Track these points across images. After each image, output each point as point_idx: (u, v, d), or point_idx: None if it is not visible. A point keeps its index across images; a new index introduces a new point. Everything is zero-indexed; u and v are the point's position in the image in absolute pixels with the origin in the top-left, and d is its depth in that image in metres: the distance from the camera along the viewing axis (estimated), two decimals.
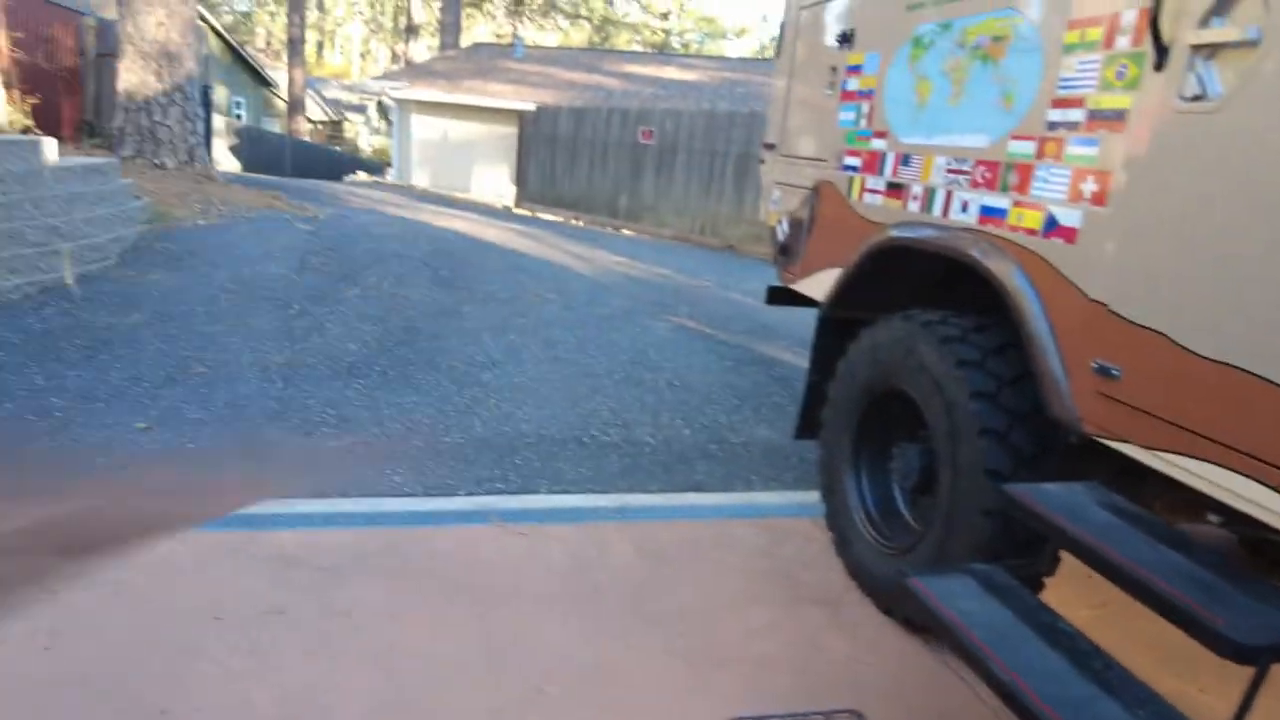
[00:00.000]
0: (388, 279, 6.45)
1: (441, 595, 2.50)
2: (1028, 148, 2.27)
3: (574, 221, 14.44)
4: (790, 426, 4.18)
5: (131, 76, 9.08)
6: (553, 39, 36.10)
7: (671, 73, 19.32)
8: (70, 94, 12.41)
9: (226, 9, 40.79)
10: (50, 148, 5.67)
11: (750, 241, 12.48)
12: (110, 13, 13.40)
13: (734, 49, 40.99)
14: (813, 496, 3.33)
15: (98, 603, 2.30)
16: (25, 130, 9.34)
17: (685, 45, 39.37)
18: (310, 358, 4.62)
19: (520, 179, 16.67)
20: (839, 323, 3.25)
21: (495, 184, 17.43)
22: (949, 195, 2.58)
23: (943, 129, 2.64)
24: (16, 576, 2.41)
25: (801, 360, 5.55)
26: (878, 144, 2.99)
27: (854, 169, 3.11)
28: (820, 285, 3.31)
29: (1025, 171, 2.28)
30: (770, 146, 3.90)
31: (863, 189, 3.05)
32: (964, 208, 2.52)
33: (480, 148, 17.61)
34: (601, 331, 5.77)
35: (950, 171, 2.59)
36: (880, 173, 2.94)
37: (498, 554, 2.77)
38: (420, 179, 18.17)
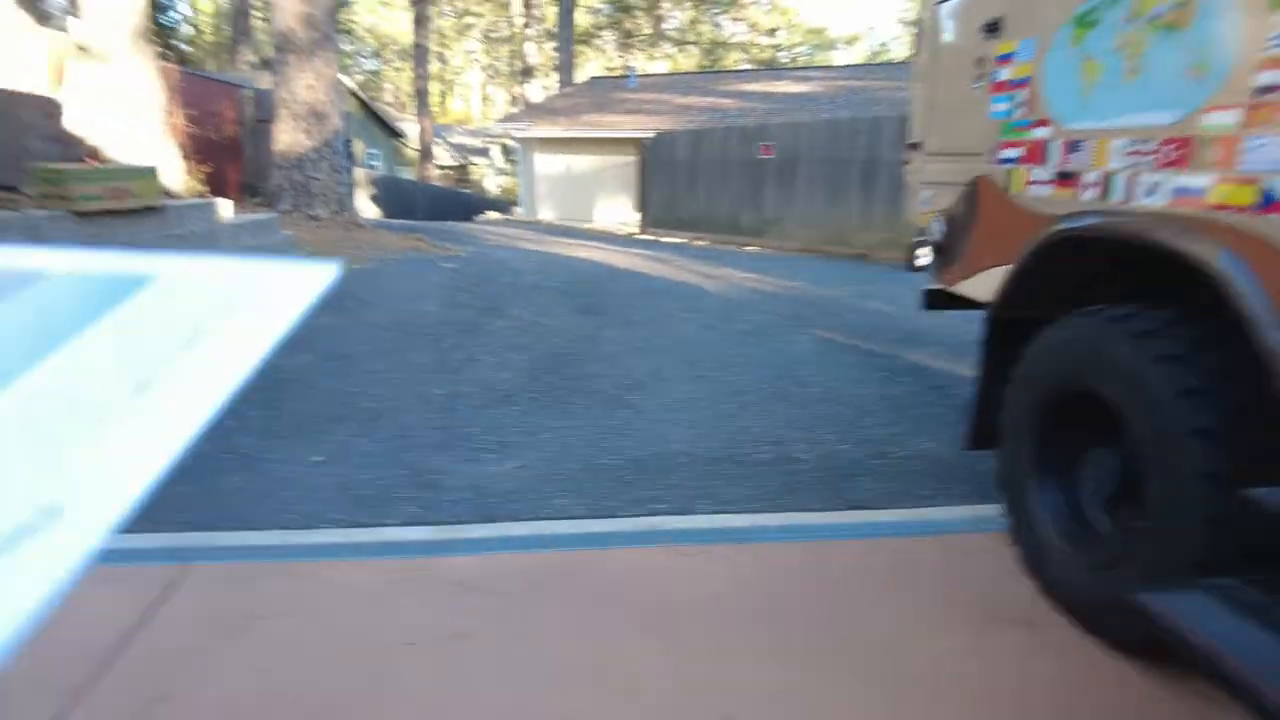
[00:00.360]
0: (530, 309, 6.63)
1: (621, 618, 2.49)
2: (1230, 118, 2.07)
3: (697, 242, 14.47)
4: (958, 437, 3.98)
5: (285, 136, 9.82)
6: (663, 66, 36.60)
7: (785, 86, 19.15)
8: (233, 159, 13.56)
9: (357, 70, 43.69)
10: (225, 207, 6.19)
11: (883, 248, 12.13)
12: (264, 82, 14.59)
13: (844, 57, 40.29)
14: (990, 510, 3.14)
15: (299, 629, 2.43)
16: (200, 195, 10.26)
17: (794, 59, 39.02)
18: (467, 388, 4.79)
19: (642, 205, 16.90)
20: (1008, 324, 3.07)
21: (617, 212, 17.74)
22: (1132, 179, 2.39)
23: (1118, 109, 2.45)
24: (225, 605, 2.58)
25: (957, 367, 5.30)
26: (1040, 133, 2.82)
27: (1013, 161, 2.95)
28: (984, 286, 3.14)
29: (1229, 144, 2.08)
30: (914, 147, 3.76)
31: (1026, 181, 2.88)
32: (1151, 191, 2.33)
33: (601, 178, 18.00)
34: (742, 348, 5.71)
35: (1132, 154, 2.40)
36: (1045, 163, 2.77)
37: (670, 575, 2.75)
38: (546, 213, 18.74)
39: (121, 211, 5.13)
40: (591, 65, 36.90)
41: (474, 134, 41.04)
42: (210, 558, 2.84)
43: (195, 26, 36.05)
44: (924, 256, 11.70)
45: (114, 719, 2.03)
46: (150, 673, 2.22)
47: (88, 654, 2.29)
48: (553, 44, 29.43)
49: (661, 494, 3.45)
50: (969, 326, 5.86)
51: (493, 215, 20.84)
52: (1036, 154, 2.82)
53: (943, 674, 2.25)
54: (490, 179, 38.26)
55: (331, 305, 6.59)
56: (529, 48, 29.94)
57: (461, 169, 37.60)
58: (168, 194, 5.82)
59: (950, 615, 2.55)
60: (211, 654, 2.30)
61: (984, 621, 2.51)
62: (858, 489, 3.51)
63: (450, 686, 2.18)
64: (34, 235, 4.67)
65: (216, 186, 10.60)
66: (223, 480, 3.61)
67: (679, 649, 2.34)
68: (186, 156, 10.75)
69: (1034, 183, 2.83)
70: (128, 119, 8.57)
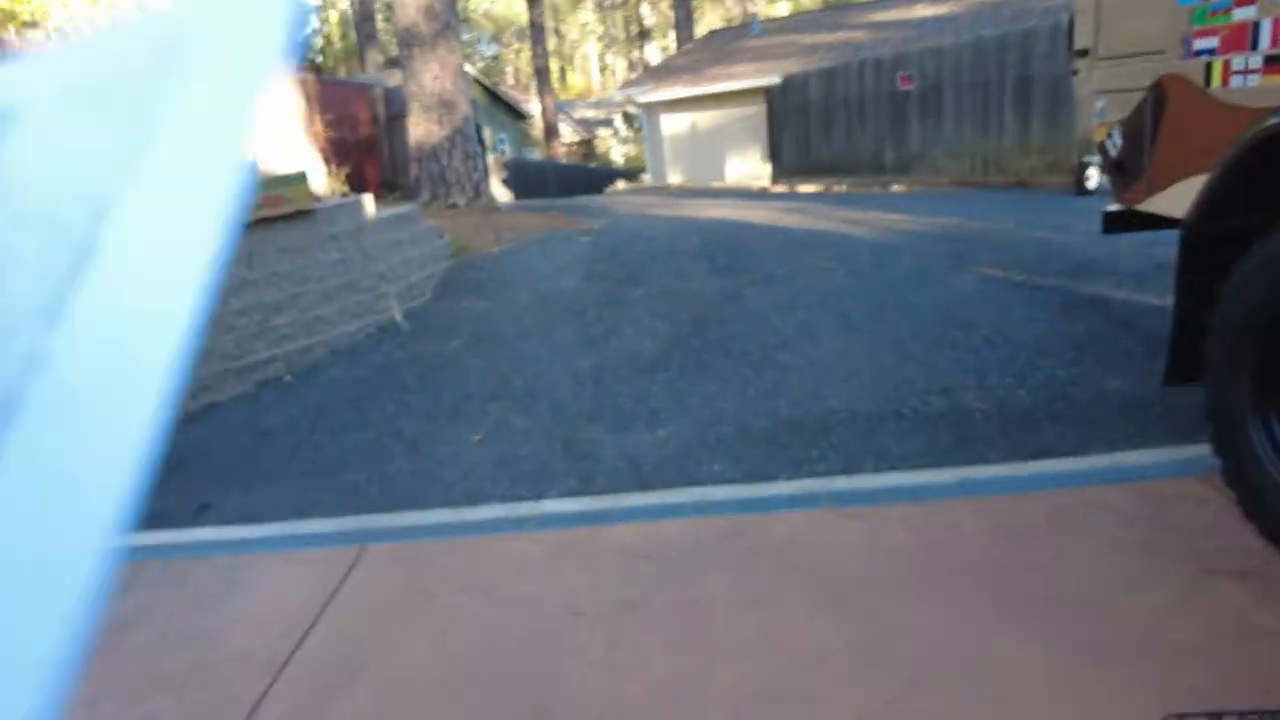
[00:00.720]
0: (668, 274, 6.56)
1: (790, 583, 2.39)
2: None
3: (835, 188, 13.89)
4: (1148, 373, 3.58)
5: (419, 129, 10.16)
6: (786, 9, 35.29)
7: (921, 10, 17.96)
8: (370, 157, 14.24)
9: (478, 56, 44.81)
10: (369, 204, 6.46)
11: (1043, 173, 11.19)
12: (393, 80, 15.19)
13: None
14: (1196, 451, 2.79)
15: (471, 603, 2.49)
16: (344, 195, 10.83)
17: None
18: (613, 359, 4.79)
19: (773, 155, 16.41)
20: (1208, 240, 2.69)
21: (748, 166, 17.33)
22: None
23: None
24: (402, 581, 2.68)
25: (1141, 296, 4.78)
26: (1244, 13, 2.42)
27: (1209, 52, 2.55)
28: (1177, 200, 2.76)
29: None
30: (1082, 53, 3.35)
31: (1227, 72, 2.48)
32: None
33: (728, 133, 17.62)
34: (897, 294, 5.40)
35: None
36: (1254, 47, 2.38)
37: (837, 538, 2.62)
38: (674, 176, 18.58)
39: (277, 218, 5.45)
40: (710, 20, 36.08)
41: (596, 106, 41.24)
42: (383, 538, 2.97)
43: (325, 37, 38.10)
44: (1094, 177, 10.79)
45: (307, 695, 2.15)
46: (341, 647, 2.34)
47: (285, 632, 2.44)
48: (668, 1, 28.94)
49: (823, 454, 3.30)
50: (1153, 250, 5.29)
51: (621, 185, 20.89)
52: (1239, 39, 2.43)
53: (1151, 632, 2.01)
54: (615, 149, 38.41)
55: (475, 289, 6.78)
56: (645, 10, 29.62)
57: (586, 143, 37.95)
58: (315, 198, 6.13)
59: (1157, 568, 2.28)
60: (393, 629, 2.39)
61: (1197, 573, 2.23)
62: (1041, 437, 3.22)
63: (622, 654, 2.16)
64: None
65: (357, 185, 11.14)
66: (390, 464, 3.78)
67: (853, 613, 2.21)
68: (327, 160, 11.37)
69: (1237, 73, 2.44)
70: (274, 129, 9.12)
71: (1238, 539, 2.37)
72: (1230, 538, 2.39)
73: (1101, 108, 3.23)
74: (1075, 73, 3.45)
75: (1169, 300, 2.84)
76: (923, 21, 16.91)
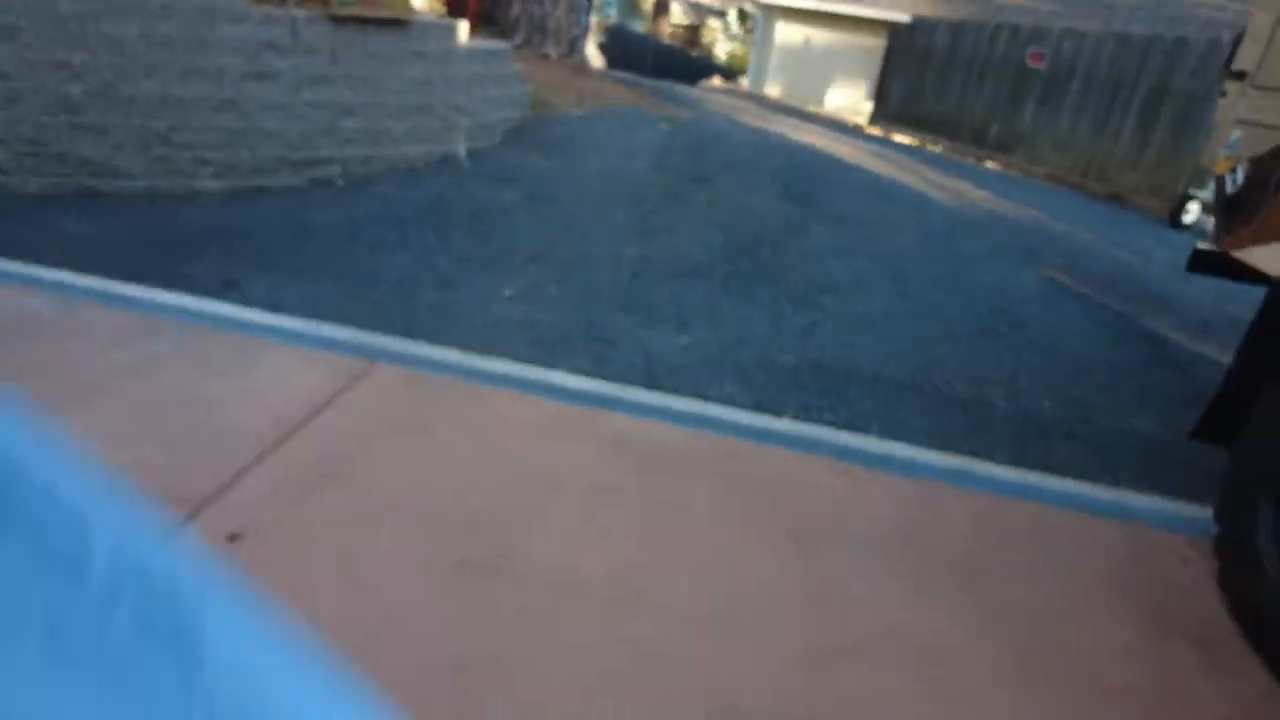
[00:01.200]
0: (738, 188, 6.41)
1: (765, 515, 2.43)
2: None
3: (931, 146, 13.36)
4: (1179, 421, 3.51)
5: None
6: None
7: None
8: None
9: None
10: (463, 31, 6.28)
11: (1145, 193, 10.68)
12: None
13: None
14: (1196, 511, 2.77)
15: (461, 445, 2.55)
16: (440, 16, 10.53)
17: None
18: (659, 255, 4.74)
19: (880, 95, 15.74)
20: None
21: (850, 99, 16.65)
22: None
23: None
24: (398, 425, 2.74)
25: (1201, 345, 4.64)
26: None
27: None
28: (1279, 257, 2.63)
29: None
30: (1239, 76, 3.13)
31: None
32: None
33: (840, 60, 16.85)
34: (959, 271, 5.26)
35: None
36: None
37: (823, 487, 2.64)
38: (773, 88, 17.90)
39: (371, 20, 5.31)
40: None
41: None
42: (394, 360, 3.02)
43: None
44: (1193, 212, 10.34)
45: (285, 483, 2.24)
46: (329, 449, 2.42)
47: (281, 420, 2.52)
48: None
49: (834, 405, 3.29)
50: (1229, 304, 5.08)
51: (716, 81, 20.19)
52: None
53: (1093, 667, 2.04)
54: (721, 44, 36.93)
55: (543, 145, 6.66)
56: None
57: (694, 29, 36.43)
58: (412, 10, 5.96)
59: (1119, 610, 2.29)
60: (382, 446, 2.46)
61: (1156, 627, 2.25)
62: (1052, 452, 3.19)
63: (589, 530, 2.23)
64: (292, 32, 4.95)
65: (455, 10, 10.81)
66: (420, 293, 3.81)
67: (818, 562, 2.26)
68: None
69: None
70: None
71: (1206, 606, 2.37)
72: (1200, 602, 2.39)
73: (1236, 139, 3.03)
74: (1223, 94, 3.23)
75: (1227, 356, 2.74)
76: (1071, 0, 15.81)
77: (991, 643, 2.06)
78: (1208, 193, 7.22)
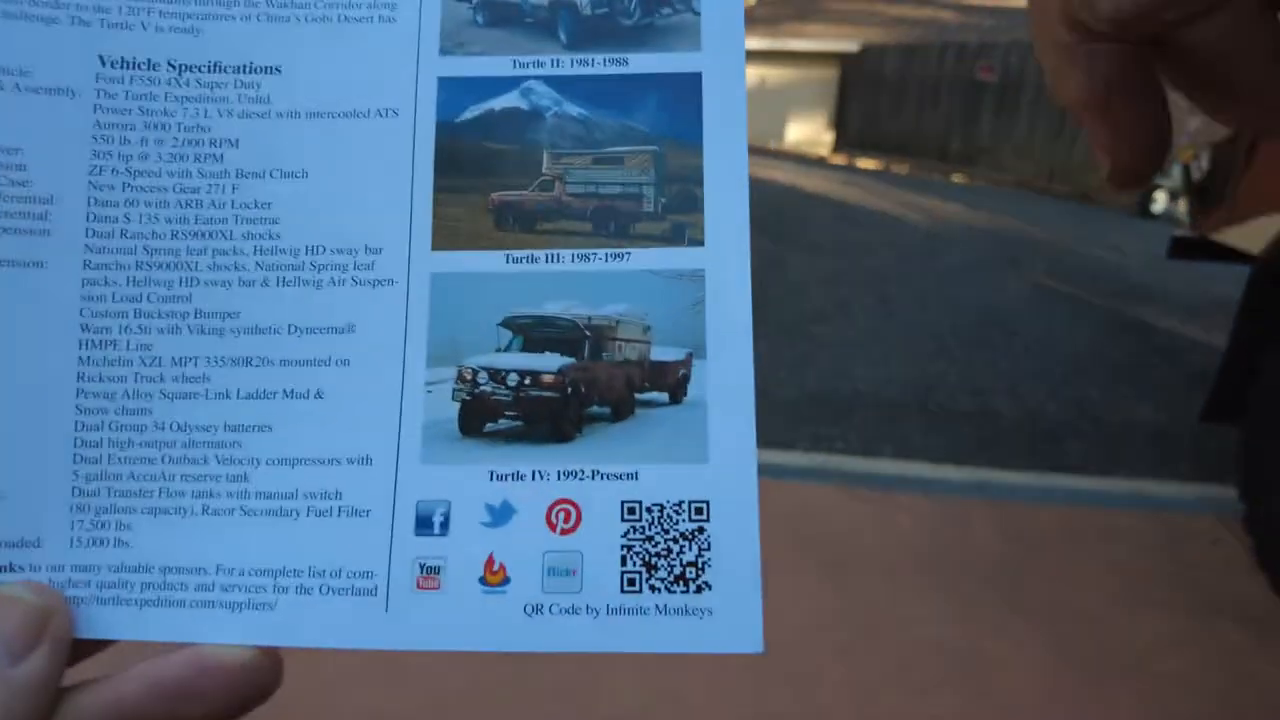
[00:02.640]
0: None
1: (793, 552, 2.41)
2: None
3: (895, 168, 13.62)
4: (1183, 406, 3.53)
5: None
6: None
7: (1014, 0, 17.34)
8: None
9: None
10: None
11: (1109, 189, 10.87)
12: None
13: None
14: (1218, 490, 2.77)
15: None
16: None
17: None
18: None
19: (839, 125, 16.09)
20: (1277, 282, 2.62)
21: (810, 132, 17.01)
22: None
23: None
24: None
25: (1189, 329, 4.70)
26: None
27: None
28: (1255, 235, 2.69)
29: None
30: None
31: None
32: None
33: (796, 94, 17.24)
34: (942, 286, 5.33)
35: None
36: None
37: (845, 517, 2.63)
38: None
39: None
40: None
41: None
42: None
43: None
44: (1160, 200, 10.48)
45: None
46: None
47: None
48: None
49: (843, 433, 3.30)
50: (1210, 285, 5.16)
51: None
52: None
53: (1143, 659, 2.03)
54: None
55: None
56: None
57: None
58: None
59: (1160, 599, 2.28)
60: None
61: (1199, 611, 2.24)
62: (1064, 453, 3.20)
63: None
64: None
65: None
66: None
67: (852, 592, 2.24)
68: None
69: None
70: None
71: (1247, 584, 2.37)
72: (1241, 582, 2.39)
73: (1195, 127, 3.12)
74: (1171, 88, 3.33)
75: (1215, 337, 2.78)
76: (1014, 12, 16.34)
77: (1040, 649, 2.05)
78: (1171, 180, 7.37)
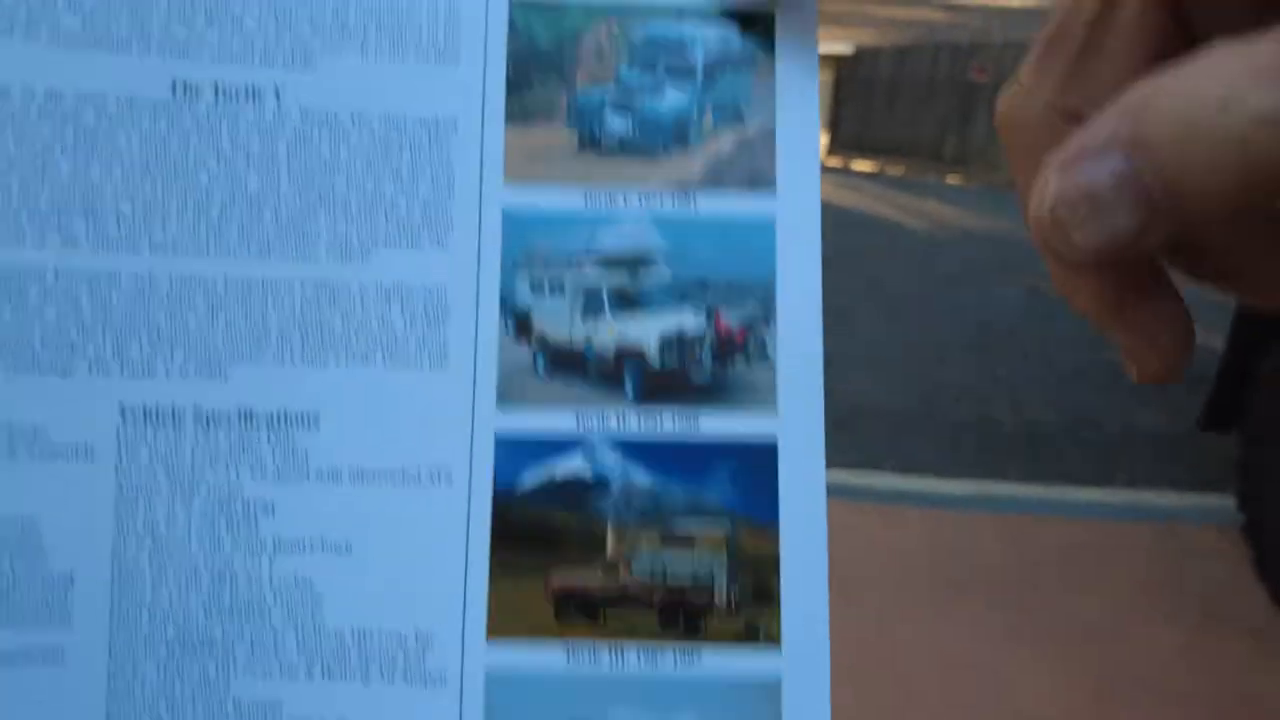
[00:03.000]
0: None
1: None
2: None
3: (890, 169, 13.65)
4: (1183, 413, 3.55)
5: None
6: None
7: (1005, 0, 17.37)
8: None
9: None
10: None
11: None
12: None
13: None
14: (1219, 500, 2.79)
15: None
16: None
17: None
18: None
19: (834, 127, 16.11)
20: None
21: None
22: None
23: None
24: None
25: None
26: None
27: None
28: None
29: None
30: None
31: None
32: None
33: None
34: (942, 291, 5.35)
35: None
36: None
37: (850, 532, 2.65)
38: None
39: None
40: None
41: None
42: None
43: None
44: None
45: None
46: None
47: None
48: None
49: (842, 445, 3.32)
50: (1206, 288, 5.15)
51: None
52: None
53: (1153, 673, 2.05)
54: None
55: None
56: None
57: None
58: None
59: (1165, 611, 2.30)
60: None
61: (1204, 622, 2.26)
62: (1065, 462, 3.22)
63: None
64: None
65: None
66: None
67: (861, 607, 2.26)
68: None
69: None
70: None
71: (1250, 595, 2.38)
72: (1243, 592, 2.40)
73: None
74: None
75: (1215, 340, 2.80)
76: (1006, 11, 16.36)
77: (1049, 665, 2.06)
78: None
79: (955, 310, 5.01)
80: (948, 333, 4.63)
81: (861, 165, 14.24)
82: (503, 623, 0.29)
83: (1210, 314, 2.77)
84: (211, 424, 0.29)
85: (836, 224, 7.27)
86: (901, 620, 2.24)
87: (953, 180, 12.78)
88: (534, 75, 0.32)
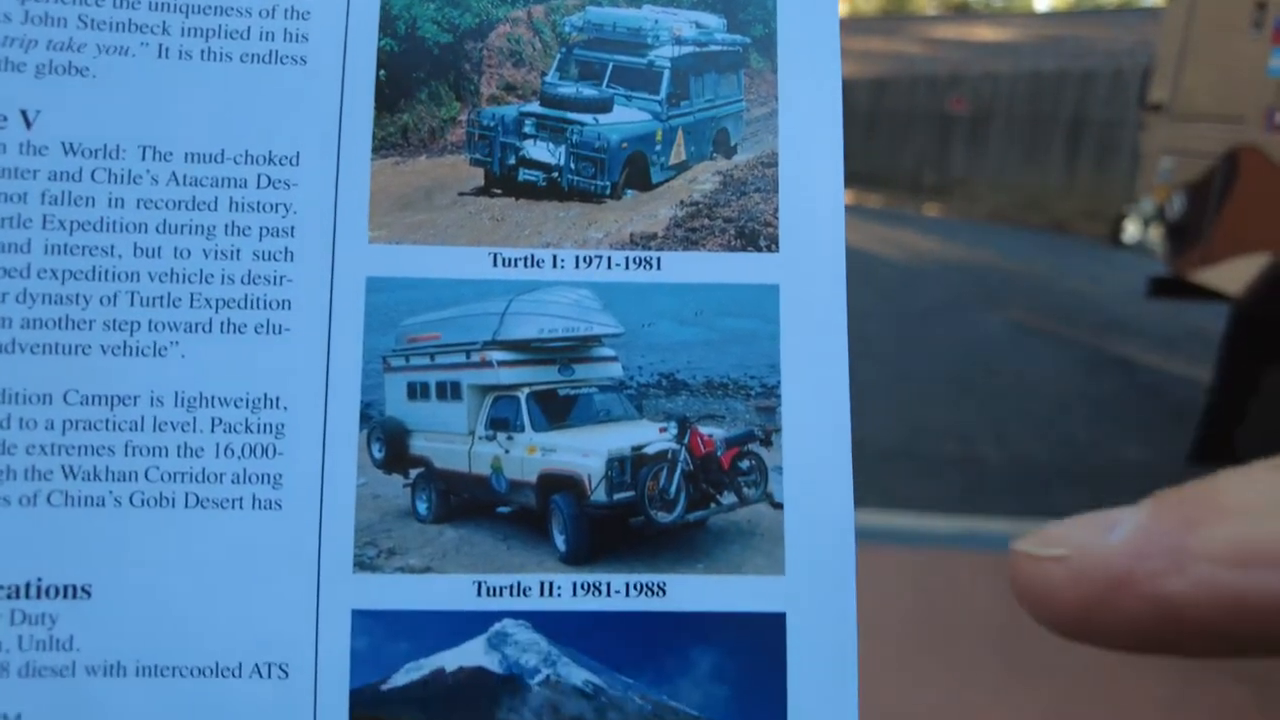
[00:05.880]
0: None
1: None
2: None
3: (868, 201, 13.75)
4: (1171, 445, 3.50)
5: None
6: (843, 9, 34.88)
7: (982, 33, 17.73)
8: None
9: None
10: None
11: (1084, 219, 11.01)
12: None
13: (1045, 1, 36.78)
14: None
15: None
16: None
17: (988, 3, 36.10)
18: None
19: None
20: (1260, 324, 2.60)
21: None
22: None
23: None
24: None
25: (1171, 364, 4.69)
26: None
27: None
28: (1233, 276, 2.68)
29: None
30: (1155, 108, 3.25)
31: None
32: None
33: None
34: (922, 326, 5.31)
35: None
36: None
37: None
38: None
39: None
40: None
41: None
42: None
43: None
44: (1129, 230, 10.57)
45: None
46: None
47: None
48: None
49: None
50: (1186, 315, 5.17)
51: None
52: None
53: (1148, 718, 1.96)
54: None
55: None
56: None
57: None
58: None
59: (1161, 658, 2.21)
60: None
61: (1201, 669, 2.17)
62: (1053, 498, 3.15)
63: None
64: None
65: None
66: None
67: None
68: None
69: None
70: None
71: None
72: None
73: (1167, 169, 3.12)
74: (1143, 129, 3.35)
75: (1198, 370, 2.76)
76: (981, 45, 16.68)
77: (1040, 713, 1.97)
78: (1140, 207, 7.45)
79: (936, 345, 4.97)
80: (929, 369, 4.58)
81: None
82: None
83: (1199, 348, 2.74)
84: None
85: None
86: (886, 667, 2.14)
87: (931, 211, 12.87)
88: (417, 85, 0.22)
